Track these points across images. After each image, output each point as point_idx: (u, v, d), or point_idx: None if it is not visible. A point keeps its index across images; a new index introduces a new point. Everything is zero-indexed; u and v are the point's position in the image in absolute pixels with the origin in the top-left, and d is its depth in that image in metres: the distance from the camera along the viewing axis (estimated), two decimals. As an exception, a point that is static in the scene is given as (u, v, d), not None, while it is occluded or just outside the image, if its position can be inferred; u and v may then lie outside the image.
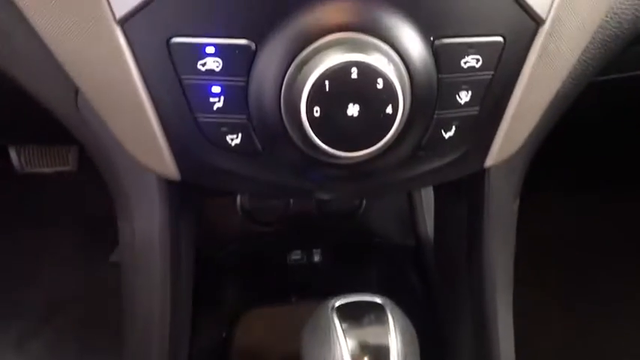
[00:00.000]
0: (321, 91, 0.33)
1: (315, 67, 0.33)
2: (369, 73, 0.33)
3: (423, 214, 0.76)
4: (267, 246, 0.78)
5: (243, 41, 0.34)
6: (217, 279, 0.73)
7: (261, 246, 0.78)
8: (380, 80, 0.33)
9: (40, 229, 1.18)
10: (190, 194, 0.53)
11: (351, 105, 0.34)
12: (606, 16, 0.41)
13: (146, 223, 0.47)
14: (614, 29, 0.43)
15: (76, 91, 0.40)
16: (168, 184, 0.45)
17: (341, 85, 0.33)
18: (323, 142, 0.35)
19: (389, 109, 0.34)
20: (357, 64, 0.33)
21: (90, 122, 0.41)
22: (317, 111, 0.34)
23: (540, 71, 0.40)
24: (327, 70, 0.33)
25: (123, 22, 0.34)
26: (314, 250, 0.78)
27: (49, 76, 0.39)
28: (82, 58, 0.37)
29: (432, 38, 0.35)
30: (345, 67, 0.33)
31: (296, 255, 0.78)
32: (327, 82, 0.33)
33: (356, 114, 0.34)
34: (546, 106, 0.43)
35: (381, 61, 0.33)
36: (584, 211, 1.19)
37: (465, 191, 0.53)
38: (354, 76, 0.33)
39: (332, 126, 0.34)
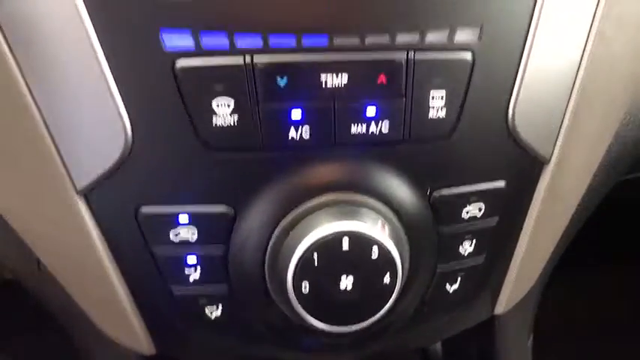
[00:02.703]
0: (310, 265, 0.29)
1: (302, 236, 0.30)
2: (362, 242, 0.29)
3: None
4: None
5: (220, 208, 0.31)
6: None
7: None
8: (375, 249, 0.30)
9: (29, 334, 1.10)
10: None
11: (343, 277, 0.30)
12: (609, 146, 0.39)
13: None
14: (617, 153, 0.40)
15: (38, 261, 0.35)
16: (143, 357, 0.40)
17: (332, 257, 0.29)
18: (314, 317, 0.31)
19: (387, 279, 0.30)
20: (348, 234, 0.29)
21: (54, 292, 0.37)
22: (305, 287, 0.30)
23: (548, 210, 0.36)
24: (315, 242, 0.29)
25: (85, 193, 0.31)
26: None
27: (9, 246, 0.35)
28: (42, 231, 0.33)
29: (429, 191, 0.32)
30: (336, 238, 0.29)
31: None
32: (315, 255, 0.29)
33: (350, 287, 0.30)
34: (557, 241, 0.39)
35: (375, 227, 0.30)
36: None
37: (473, 334, 0.48)
38: (346, 247, 0.29)
39: (323, 301, 0.30)
